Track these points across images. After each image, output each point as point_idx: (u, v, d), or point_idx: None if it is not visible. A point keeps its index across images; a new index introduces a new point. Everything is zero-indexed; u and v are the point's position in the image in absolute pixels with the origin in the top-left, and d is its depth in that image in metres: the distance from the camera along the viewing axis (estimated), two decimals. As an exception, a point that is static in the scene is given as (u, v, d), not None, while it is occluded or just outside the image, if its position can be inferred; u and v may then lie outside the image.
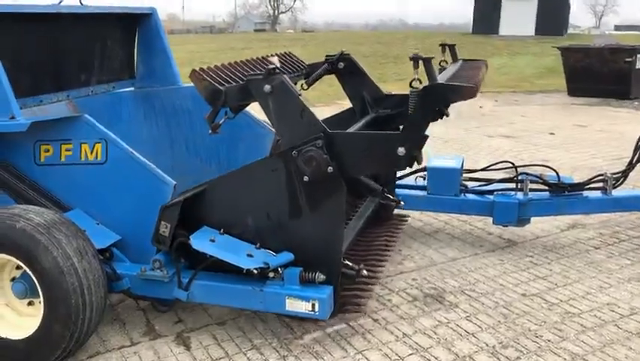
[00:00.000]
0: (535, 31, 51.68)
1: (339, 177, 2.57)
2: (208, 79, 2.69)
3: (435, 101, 2.74)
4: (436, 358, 2.66)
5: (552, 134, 7.98)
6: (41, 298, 2.53)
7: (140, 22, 4.06)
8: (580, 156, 6.63)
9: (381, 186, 3.79)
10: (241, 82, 2.76)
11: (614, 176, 3.82)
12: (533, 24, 52.85)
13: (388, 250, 3.52)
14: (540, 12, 52.69)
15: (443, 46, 4.02)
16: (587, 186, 3.81)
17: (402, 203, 3.89)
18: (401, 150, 2.53)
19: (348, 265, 2.81)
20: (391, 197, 3.89)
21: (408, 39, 43.13)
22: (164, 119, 4.12)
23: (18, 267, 2.66)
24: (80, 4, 3.66)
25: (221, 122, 2.76)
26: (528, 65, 23.97)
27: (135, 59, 4.15)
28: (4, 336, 2.62)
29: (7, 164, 2.97)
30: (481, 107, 10.57)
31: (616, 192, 3.80)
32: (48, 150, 2.96)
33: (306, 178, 2.57)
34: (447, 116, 2.96)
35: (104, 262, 2.73)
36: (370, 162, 2.68)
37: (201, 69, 2.74)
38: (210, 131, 2.74)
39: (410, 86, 3.43)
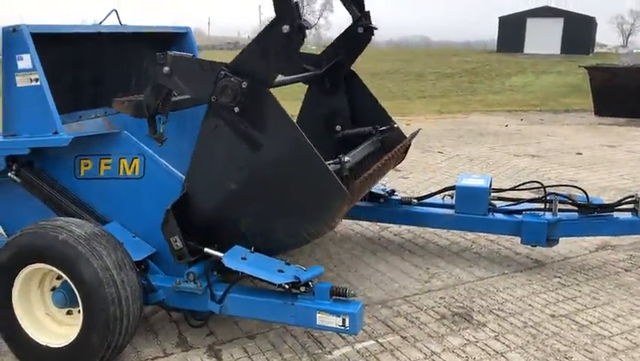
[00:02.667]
0: (561, 49, 51.42)
1: (257, 86, 2.61)
2: (125, 100, 2.88)
3: None
4: (465, 377, 2.67)
5: (579, 154, 7.92)
6: (80, 308, 2.62)
7: (175, 41, 4.19)
8: (608, 177, 6.57)
9: (370, 126, 3.89)
10: (146, 80, 2.89)
11: (645, 197, 3.80)
12: (559, 42, 52.61)
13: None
14: (566, 30, 52.44)
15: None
16: (617, 208, 3.79)
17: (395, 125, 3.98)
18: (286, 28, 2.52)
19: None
20: (381, 128, 3.93)
21: (432, 57, 43.22)
22: (193, 135, 4.21)
23: (58, 277, 2.76)
24: (119, 23, 3.80)
25: (161, 130, 2.90)
26: (553, 84, 23.84)
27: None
28: (44, 344, 2.71)
29: (48, 177, 3.09)
30: (506, 125, 10.55)
31: (646, 214, 3.77)
32: (88, 165, 3.06)
33: (236, 109, 2.63)
34: None
35: (140, 274, 2.81)
36: (268, 60, 2.63)
37: (120, 98, 2.96)
38: (158, 144, 2.89)
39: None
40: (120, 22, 3.79)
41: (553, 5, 55.48)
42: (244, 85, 2.60)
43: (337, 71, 4.06)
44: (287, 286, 2.66)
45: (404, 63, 36.00)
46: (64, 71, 3.35)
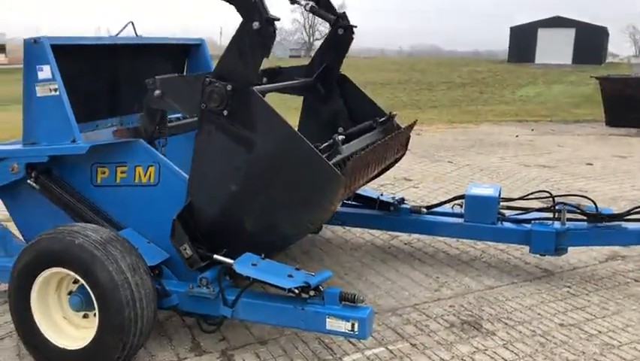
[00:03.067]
0: (572, 59, 51.29)
1: (242, 87, 2.70)
2: (124, 129, 3.09)
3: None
4: (473, 383, 2.71)
5: (590, 164, 7.92)
6: (96, 311, 2.68)
7: (189, 52, 4.28)
8: (619, 187, 6.57)
9: (372, 120, 3.95)
10: (143, 106, 3.05)
11: (654, 207, 3.81)
12: (571, 52, 52.50)
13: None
14: (577, 40, 52.32)
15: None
16: (626, 217, 3.81)
17: (395, 114, 4.03)
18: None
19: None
20: (381, 119, 3.98)
21: (442, 66, 43.25)
22: (186, 142, 4.29)
23: (75, 281, 2.83)
24: (135, 35, 3.89)
25: (162, 151, 3.12)
26: (564, 94, 23.79)
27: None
28: (62, 346, 2.78)
29: (66, 184, 3.16)
30: (517, 136, 10.56)
31: (656, 224, 3.79)
32: (104, 172, 3.14)
33: (225, 112, 2.73)
34: None
35: (154, 279, 2.87)
36: (246, 59, 2.73)
37: (119, 129, 3.19)
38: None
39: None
40: (136, 33, 3.88)
41: (564, 15, 55.31)
42: (229, 88, 2.70)
43: (328, 75, 4.16)
44: (297, 291, 2.72)
45: (415, 73, 36.09)
46: (82, 81, 3.43)
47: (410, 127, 4.10)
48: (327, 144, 3.10)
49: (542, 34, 54.15)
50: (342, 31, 4.02)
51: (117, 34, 3.71)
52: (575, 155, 8.68)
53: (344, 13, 4.03)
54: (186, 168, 2.97)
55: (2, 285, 3.70)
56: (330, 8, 3.99)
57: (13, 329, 3.07)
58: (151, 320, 2.77)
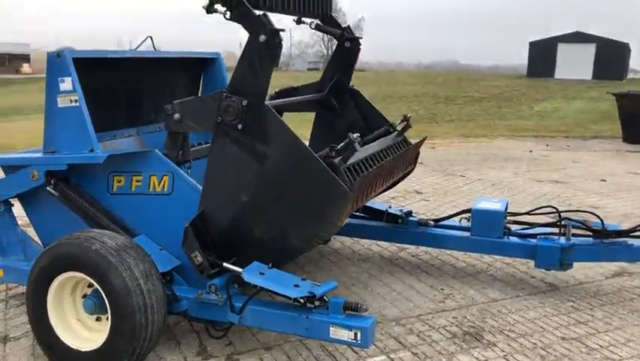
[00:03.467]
0: (593, 75, 50.92)
1: (257, 102, 2.81)
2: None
3: None
4: (472, 393, 2.76)
5: (604, 180, 7.91)
6: (109, 315, 2.79)
7: (205, 65, 4.42)
8: (632, 204, 6.56)
9: (387, 126, 4.07)
10: (165, 131, 3.19)
11: (660, 224, 3.84)
12: (591, 68, 52.12)
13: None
14: (598, 56, 51.96)
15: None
16: (632, 234, 3.83)
17: (410, 116, 4.15)
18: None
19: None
20: (393, 125, 4.12)
21: (461, 80, 43.20)
22: None
23: (89, 285, 2.95)
24: (153, 49, 4.05)
25: (188, 169, 3.32)
26: (583, 110, 23.64)
27: (200, 98, 4.49)
28: (75, 347, 2.89)
29: (83, 191, 3.30)
30: (531, 151, 10.56)
31: (661, 241, 3.82)
32: (120, 181, 3.26)
33: (239, 126, 2.84)
34: None
35: (165, 285, 2.98)
36: (256, 72, 2.84)
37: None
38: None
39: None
40: (154, 47, 4.04)
41: (584, 31, 55.02)
42: (244, 103, 2.82)
43: (340, 88, 4.29)
44: (302, 300, 2.80)
45: (433, 87, 36.12)
46: (102, 92, 3.58)
47: (419, 143, 4.19)
48: (343, 143, 3.18)
49: (562, 49, 53.88)
50: (348, 43, 4.14)
51: (136, 48, 3.86)
52: (589, 171, 8.67)
53: (348, 26, 4.16)
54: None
55: (20, 287, 3.85)
56: (335, 24, 4.10)
57: (29, 330, 3.20)
58: (161, 326, 2.88)
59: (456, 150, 10.61)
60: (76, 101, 3.11)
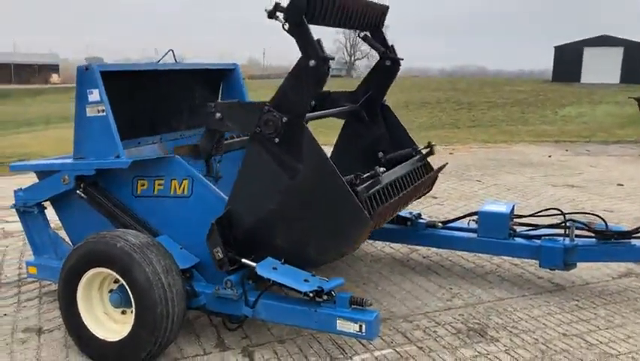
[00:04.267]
0: (620, 79, 50.17)
1: (296, 121, 3.00)
2: (185, 146, 3.47)
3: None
4: (471, 383, 2.92)
5: (620, 185, 7.94)
6: (133, 308, 3.03)
7: (224, 76, 4.66)
8: (646, 208, 6.61)
9: (412, 149, 4.23)
10: (203, 128, 3.40)
11: (663, 226, 3.95)
12: (619, 72, 51.36)
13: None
14: (626, 59, 51.20)
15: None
16: (635, 235, 3.95)
17: (434, 145, 4.33)
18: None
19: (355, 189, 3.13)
20: (416, 148, 4.28)
21: (485, 86, 42.97)
22: (239, 159, 4.64)
23: (115, 281, 3.19)
24: (174, 61, 4.31)
25: (217, 168, 3.58)
26: (609, 115, 23.40)
27: (219, 107, 4.73)
28: (102, 338, 3.13)
29: (110, 194, 3.55)
30: (549, 156, 10.61)
31: (664, 242, 3.92)
32: (144, 185, 3.50)
33: (276, 140, 3.02)
34: None
35: (185, 281, 3.20)
36: (301, 93, 3.03)
37: (179, 147, 3.57)
38: (214, 181, 3.47)
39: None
40: (175, 60, 4.30)
41: (611, 34, 54.26)
42: (284, 120, 3.01)
43: (372, 103, 4.44)
44: (311, 295, 3.00)
45: (457, 92, 36.05)
46: (127, 102, 3.82)
47: (440, 169, 4.37)
48: (368, 174, 3.38)
49: (588, 52, 53.22)
50: (389, 62, 4.27)
51: (158, 61, 4.12)
52: (607, 175, 8.70)
53: (392, 46, 4.27)
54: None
55: (52, 285, 4.12)
56: (381, 40, 4.23)
57: (61, 323, 3.45)
58: (181, 318, 3.10)
59: (475, 156, 10.70)
60: (103, 111, 3.36)
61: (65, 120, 25.40)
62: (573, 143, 13.14)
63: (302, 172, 3.04)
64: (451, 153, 10.82)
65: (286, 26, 3.00)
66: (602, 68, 50.61)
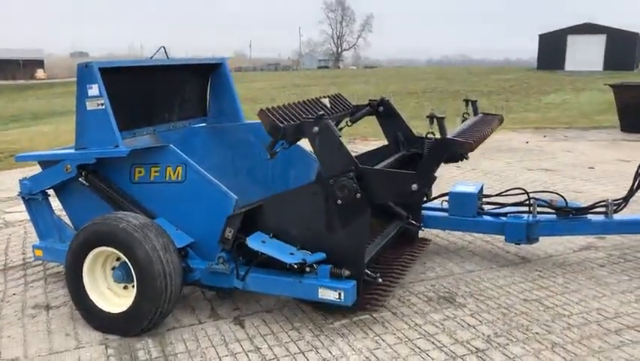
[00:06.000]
0: (603, 66, 50.85)
1: (365, 202, 3.28)
2: (271, 117, 3.47)
3: (441, 151, 3.67)
4: (439, 341, 3.29)
5: (592, 168, 8.35)
6: (135, 283, 3.36)
7: (212, 70, 4.97)
8: (614, 188, 7.00)
9: (406, 213, 4.49)
10: (297, 122, 3.52)
11: (616, 202, 4.34)
12: (602, 59, 52.05)
13: (406, 268, 4.21)
14: (609, 47, 51.88)
15: (467, 101, 4.75)
16: (591, 210, 4.33)
17: (422, 228, 4.58)
18: (414, 187, 3.23)
19: (367, 273, 3.51)
20: (414, 222, 4.58)
21: (471, 75, 43.40)
22: (230, 149, 4.97)
23: (117, 259, 3.52)
24: (166, 57, 4.62)
25: (277, 150, 3.54)
26: (591, 101, 23.89)
27: (207, 100, 5.05)
28: (107, 310, 3.46)
29: (110, 181, 3.86)
30: (527, 142, 11.01)
31: (617, 216, 4.31)
32: (141, 172, 3.81)
33: (339, 202, 3.29)
34: (466, 159, 3.98)
35: (181, 258, 3.53)
36: (390, 193, 3.39)
37: (267, 108, 3.53)
38: (269, 157, 3.54)
39: (425, 137, 4.20)
40: (167, 56, 4.61)
41: (594, 22, 54.87)
42: (358, 196, 3.24)
43: (409, 136, 4.62)
44: (296, 266, 3.35)
45: (443, 82, 36.44)
46: (125, 97, 4.12)
47: (424, 245, 4.75)
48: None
49: (572, 40, 53.80)
50: (382, 108, 4.58)
51: (151, 57, 4.43)
52: (581, 159, 9.12)
53: (376, 100, 4.60)
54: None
55: (56, 267, 4.45)
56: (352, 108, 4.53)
57: (67, 300, 3.80)
58: (178, 291, 3.44)
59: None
60: (102, 104, 3.66)
61: (53, 115, 25.56)
62: (554, 129, 13.56)
63: (339, 234, 3.34)
64: (429, 133, 11.15)
65: (286, 145, 3.51)
66: (585, 55, 51.24)
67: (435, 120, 4.05)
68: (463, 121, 4.62)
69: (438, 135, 4.05)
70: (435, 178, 3.42)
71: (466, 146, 3.65)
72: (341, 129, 4.25)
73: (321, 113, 3.45)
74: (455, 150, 3.69)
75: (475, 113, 4.83)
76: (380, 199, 3.51)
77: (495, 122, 4.54)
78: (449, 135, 3.80)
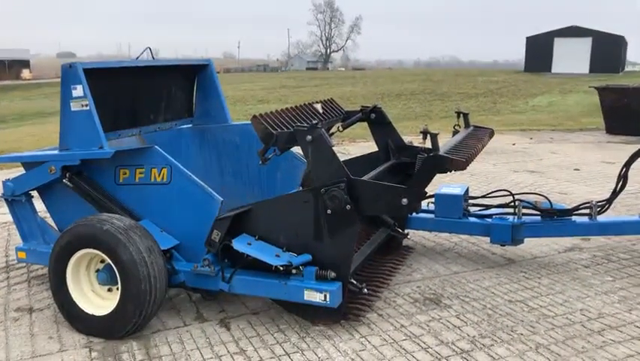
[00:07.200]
0: (590, 68, 51.39)
1: (355, 214, 3.28)
2: (264, 123, 3.48)
3: (433, 168, 3.74)
4: (424, 343, 3.30)
5: (577, 170, 8.42)
6: (119, 285, 3.33)
7: (198, 71, 4.96)
8: (598, 190, 7.07)
9: (393, 221, 4.51)
10: (290, 130, 3.51)
11: (599, 203, 4.38)
12: (588, 62, 52.61)
13: (390, 276, 4.22)
14: (595, 50, 52.46)
15: (458, 114, 4.79)
16: (575, 212, 4.37)
17: (408, 236, 4.60)
18: (404, 201, 3.23)
19: (353, 282, 3.52)
20: (400, 231, 4.60)
21: (459, 77, 43.65)
22: (215, 150, 4.96)
23: (102, 261, 3.49)
24: (152, 58, 4.59)
25: (270, 156, 3.54)
26: (578, 104, 24.13)
27: (194, 101, 5.04)
28: (91, 313, 3.43)
29: (94, 183, 3.83)
30: (514, 144, 11.08)
31: (601, 218, 4.35)
32: (126, 173, 3.78)
33: (329, 211, 3.29)
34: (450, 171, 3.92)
35: (165, 260, 3.51)
36: (380, 206, 3.40)
37: (260, 115, 3.54)
38: (260, 162, 3.54)
39: (419, 151, 4.37)
40: (153, 57, 4.59)
41: (581, 25, 55.42)
42: (348, 207, 3.24)
43: (399, 145, 4.69)
44: (281, 268, 3.34)
45: (431, 84, 36.62)
46: (109, 98, 4.10)
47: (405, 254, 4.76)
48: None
49: (559, 43, 54.30)
50: (373, 115, 4.60)
51: (137, 58, 4.41)
52: (566, 161, 9.19)
53: (369, 107, 4.63)
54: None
55: (40, 270, 4.41)
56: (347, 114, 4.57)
57: (51, 303, 3.77)
58: (163, 293, 3.42)
59: (443, 147, 11.09)
60: (86, 105, 3.63)
61: (39, 116, 25.35)
62: (540, 131, 13.66)
63: (326, 241, 3.34)
64: (420, 143, 11.20)
65: (278, 153, 3.55)
66: (571, 58, 51.78)
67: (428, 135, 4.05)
68: (454, 134, 4.65)
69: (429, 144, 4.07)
70: (425, 193, 3.48)
71: (458, 164, 3.71)
72: (332, 134, 4.27)
73: (315, 122, 3.45)
74: (447, 167, 3.71)
75: (467, 125, 4.85)
76: (370, 212, 3.54)
77: (486, 138, 4.59)
78: (441, 151, 3.82)
